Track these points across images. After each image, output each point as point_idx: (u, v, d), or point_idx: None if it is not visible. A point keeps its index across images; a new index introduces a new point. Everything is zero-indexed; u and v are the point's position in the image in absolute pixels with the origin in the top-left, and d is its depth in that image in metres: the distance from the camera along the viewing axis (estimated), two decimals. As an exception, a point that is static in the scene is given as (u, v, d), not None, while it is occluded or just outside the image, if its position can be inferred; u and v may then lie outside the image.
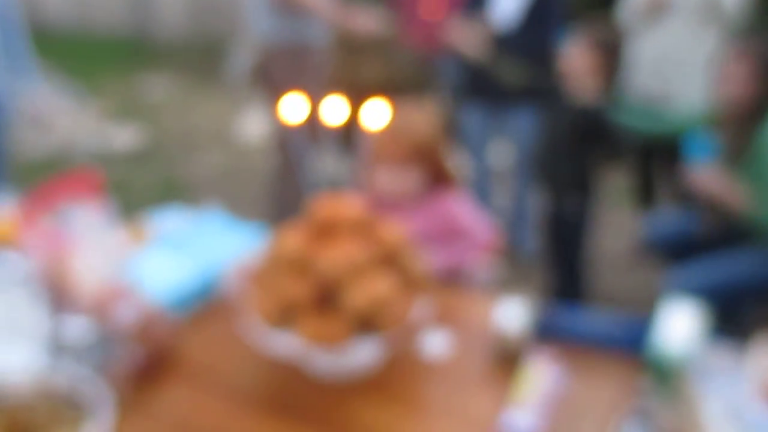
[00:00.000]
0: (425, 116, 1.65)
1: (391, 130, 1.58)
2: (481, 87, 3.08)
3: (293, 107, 1.28)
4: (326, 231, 1.18)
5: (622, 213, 3.90)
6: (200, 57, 8.74)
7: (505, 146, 3.40)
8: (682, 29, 2.84)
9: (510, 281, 3.13)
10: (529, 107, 3.00)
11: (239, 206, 4.17)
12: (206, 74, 7.81)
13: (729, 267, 2.10)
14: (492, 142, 3.37)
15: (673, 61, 2.86)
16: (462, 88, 3.29)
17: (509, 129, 3.24)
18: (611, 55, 2.37)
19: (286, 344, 1.13)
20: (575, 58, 2.36)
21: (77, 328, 1.12)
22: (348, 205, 1.18)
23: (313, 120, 2.70)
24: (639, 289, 3.06)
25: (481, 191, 3.37)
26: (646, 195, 3.30)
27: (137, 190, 4.51)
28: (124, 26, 8.57)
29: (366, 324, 1.13)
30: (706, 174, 2.16)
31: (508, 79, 2.57)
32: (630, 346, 1.20)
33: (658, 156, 3.14)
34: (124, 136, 5.53)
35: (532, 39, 2.97)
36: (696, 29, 2.83)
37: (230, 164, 5.00)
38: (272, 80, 2.71)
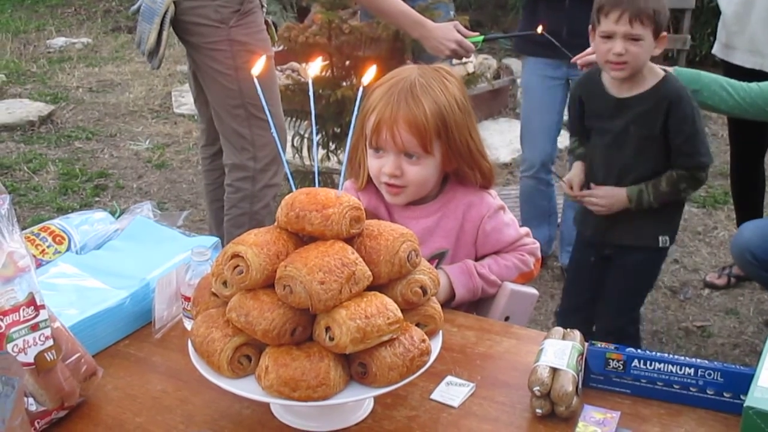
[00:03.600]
0: (447, 80, 1.59)
1: (398, 99, 1.54)
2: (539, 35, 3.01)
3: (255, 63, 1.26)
4: (303, 239, 1.16)
5: (712, 219, 3.92)
6: None
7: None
8: None
9: (561, 315, 3.11)
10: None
11: (174, 201, 4.17)
12: (129, 19, 7.79)
13: None
14: (561, 115, 3.17)
15: None
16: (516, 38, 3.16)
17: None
18: None
19: (248, 391, 1.10)
20: None
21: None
22: (336, 203, 1.14)
23: (267, 83, 2.63)
24: (733, 324, 3.04)
25: (540, 191, 3.25)
26: (750, 201, 3.19)
27: (36, 177, 4.47)
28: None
29: (356, 365, 1.12)
30: None
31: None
32: (722, 401, 1.20)
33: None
34: (16, 104, 5.51)
35: None
36: None
37: (162, 141, 4.98)
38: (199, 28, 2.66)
